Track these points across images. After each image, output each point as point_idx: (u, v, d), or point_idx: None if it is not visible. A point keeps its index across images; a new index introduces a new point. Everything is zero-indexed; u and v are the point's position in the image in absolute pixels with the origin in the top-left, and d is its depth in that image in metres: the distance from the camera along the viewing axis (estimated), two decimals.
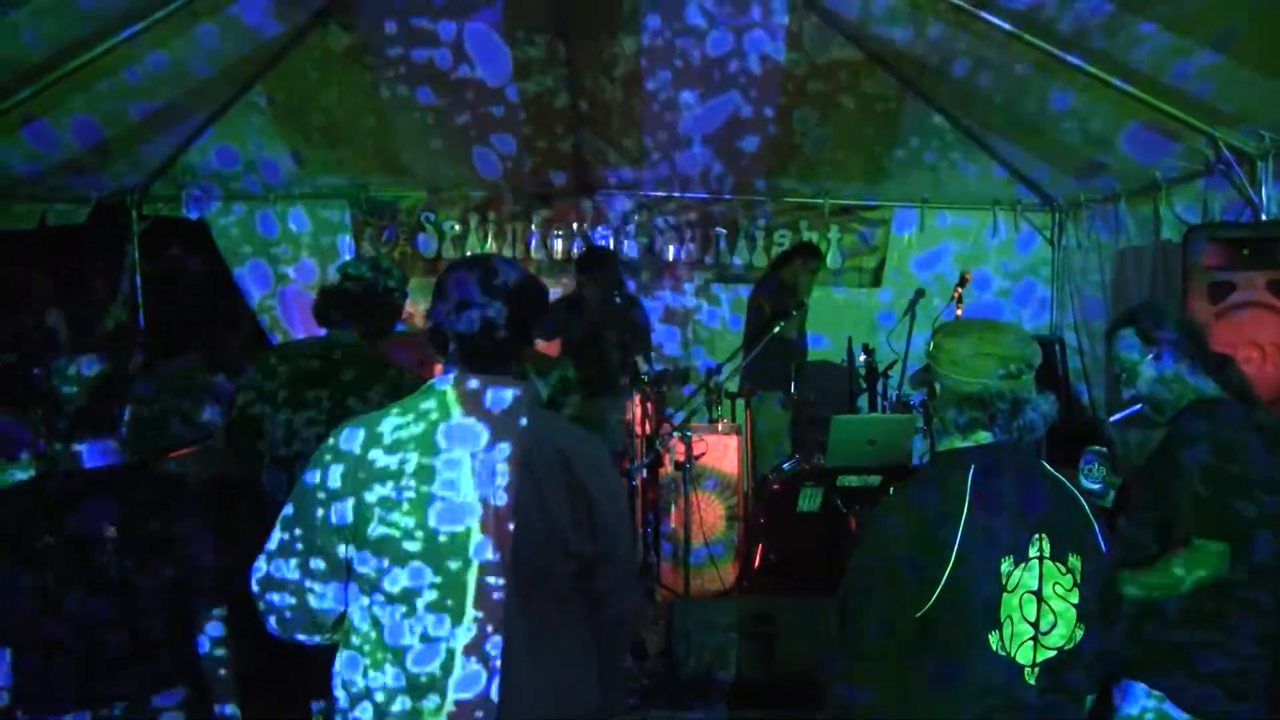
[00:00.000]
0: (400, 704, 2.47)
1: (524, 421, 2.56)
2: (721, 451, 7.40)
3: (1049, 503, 2.68)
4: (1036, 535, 2.62)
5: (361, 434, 2.53)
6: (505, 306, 2.61)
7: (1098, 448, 3.99)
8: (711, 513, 7.33)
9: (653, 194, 8.76)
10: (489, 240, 8.73)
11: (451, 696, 2.45)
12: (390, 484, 2.46)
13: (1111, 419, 4.75)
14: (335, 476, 2.49)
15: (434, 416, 2.53)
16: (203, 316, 8.98)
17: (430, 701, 2.45)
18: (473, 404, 2.55)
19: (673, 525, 7.27)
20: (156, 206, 8.37)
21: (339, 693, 2.55)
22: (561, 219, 8.85)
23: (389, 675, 2.47)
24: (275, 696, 3.78)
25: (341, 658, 2.56)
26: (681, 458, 6.90)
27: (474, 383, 2.58)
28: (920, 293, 8.10)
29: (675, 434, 6.87)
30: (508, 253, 8.72)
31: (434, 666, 2.45)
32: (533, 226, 8.80)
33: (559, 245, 8.82)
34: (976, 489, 2.62)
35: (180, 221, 8.46)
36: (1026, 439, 2.71)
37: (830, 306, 8.66)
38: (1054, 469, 2.77)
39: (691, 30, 6.98)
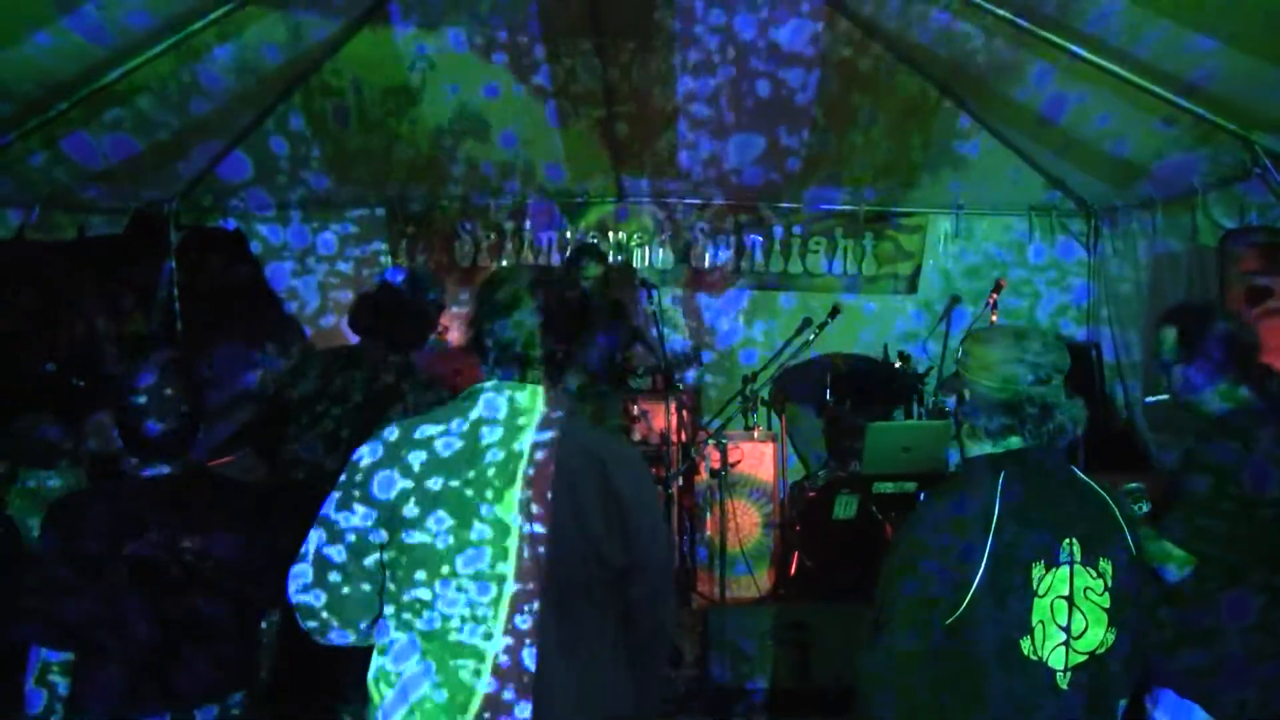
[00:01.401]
0: (435, 711, 2.48)
1: (561, 429, 2.58)
2: (757, 459, 7.41)
3: (1080, 507, 2.69)
4: (1067, 540, 2.63)
5: (399, 439, 2.56)
6: (544, 315, 2.64)
7: (1134, 485, 3.95)
8: (748, 520, 7.33)
9: (687, 201, 8.76)
10: (525, 248, 8.75)
11: (486, 703, 2.47)
12: (426, 490, 2.49)
13: (1146, 400, 4.75)
14: (372, 481, 2.52)
15: (472, 423, 2.56)
16: (243, 325, 9.05)
17: (465, 708, 2.47)
18: (511, 411, 2.57)
19: (708, 533, 7.28)
20: (194, 217, 8.44)
21: (374, 698, 2.57)
22: (597, 227, 8.86)
23: (423, 682, 2.49)
24: (305, 699, 3.80)
25: (375, 663, 2.58)
26: (717, 465, 6.91)
27: (512, 390, 2.61)
28: (956, 299, 8.10)
29: (710, 441, 6.88)
30: (542, 261, 8.76)
31: (468, 673, 2.47)
32: (568, 235, 8.81)
33: None
34: (1007, 494, 2.62)
35: (218, 231, 8.53)
36: (1057, 444, 2.71)
37: (865, 315, 8.64)
38: (1085, 474, 2.77)
39: (724, 37, 6.97)
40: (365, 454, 2.58)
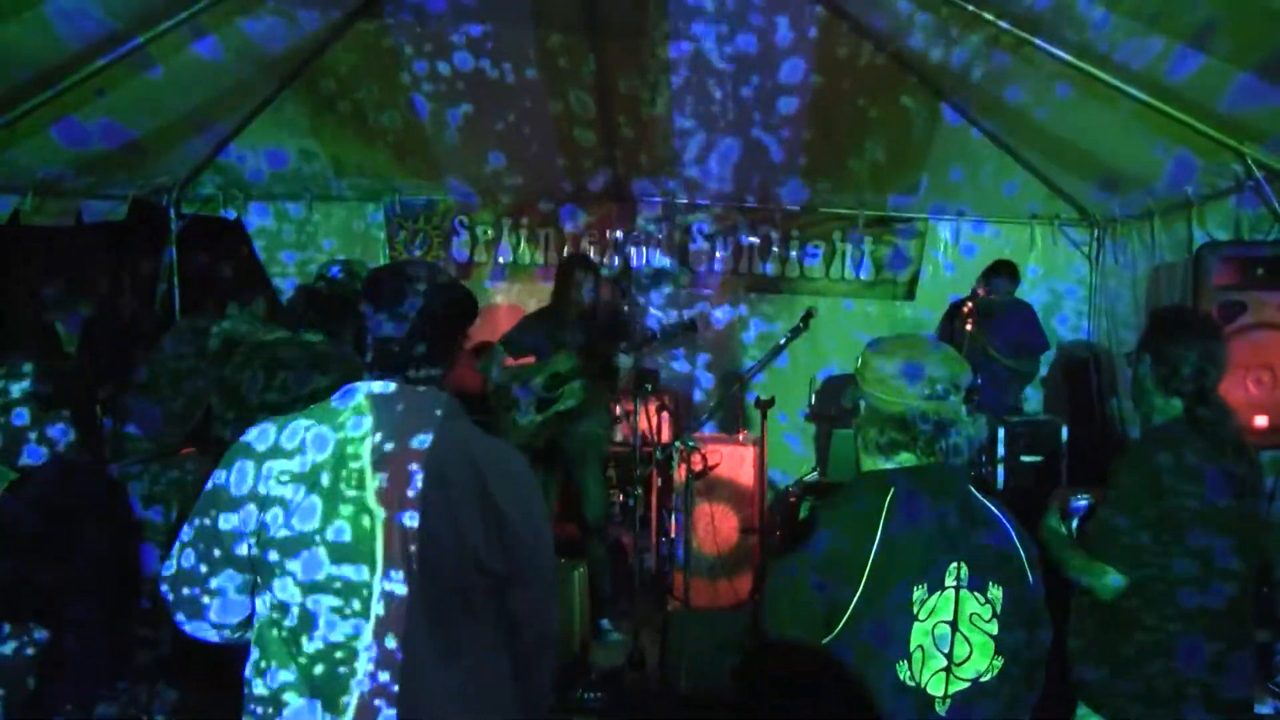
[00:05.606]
0: (303, 708, 2.45)
1: (438, 431, 2.52)
2: (737, 463, 7.34)
3: (972, 529, 2.58)
4: (954, 563, 2.53)
5: (269, 435, 2.53)
6: (421, 312, 2.59)
7: (1084, 497, 3.91)
8: (726, 524, 7.26)
9: (685, 201, 8.70)
10: (521, 245, 8.73)
11: (354, 705, 2.43)
12: (293, 488, 2.45)
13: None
14: (240, 476, 2.49)
15: (344, 422, 2.52)
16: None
17: (333, 708, 2.43)
18: (384, 411, 2.53)
19: (673, 535, 7.23)
20: (194, 206, 8.48)
21: (247, 691, 2.54)
22: (595, 225, 8.82)
23: (292, 679, 2.45)
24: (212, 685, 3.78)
25: (250, 658, 2.56)
26: (696, 467, 6.85)
27: (388, 388, 2.57)
28: (954, 307, 8.00)
29: (679, 444, 6.82)
30: (540, 258, 8.74)
31: (336, 675, 2.44)
32: (565, 233, 8.78)
33: (592, 251, 8.76)
34: (893, 512, 2.53)
35: (217, 221, 8.56)
36: (952, 462, 2.62)
37: (863, 319, 8.54)
38: (983, 495, 2.69)
39: (722, 37, 6.91)
40: (235, 450, 2.56)
